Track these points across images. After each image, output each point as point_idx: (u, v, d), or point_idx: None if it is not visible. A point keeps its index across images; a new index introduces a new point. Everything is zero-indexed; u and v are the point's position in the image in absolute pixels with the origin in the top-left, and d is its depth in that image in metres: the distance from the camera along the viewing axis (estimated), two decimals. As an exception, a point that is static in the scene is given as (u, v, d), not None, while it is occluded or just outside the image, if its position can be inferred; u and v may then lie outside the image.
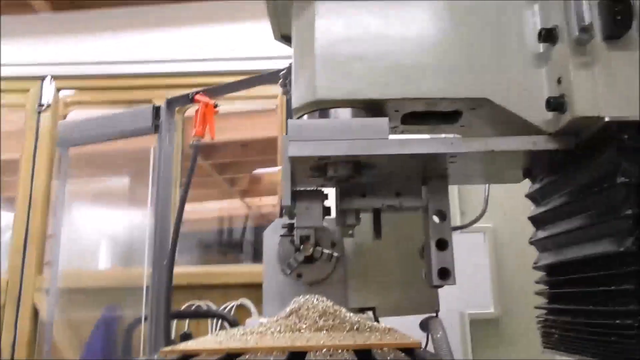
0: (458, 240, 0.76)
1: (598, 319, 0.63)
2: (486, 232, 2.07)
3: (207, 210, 5.31)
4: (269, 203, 5.23)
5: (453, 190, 1.86)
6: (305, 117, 0.72)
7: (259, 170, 4.95)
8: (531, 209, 0.85)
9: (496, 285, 2.05)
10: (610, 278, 0.61)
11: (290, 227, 1.00)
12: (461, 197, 1.99)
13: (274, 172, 3.36)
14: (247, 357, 0.56)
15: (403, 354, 0.56)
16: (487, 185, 1.15)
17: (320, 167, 0.70)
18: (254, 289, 2.34)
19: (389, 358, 0.53)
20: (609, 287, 0.61)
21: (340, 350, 0.57)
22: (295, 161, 0.66)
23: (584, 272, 0.67)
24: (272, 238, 1.08)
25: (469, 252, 1.92)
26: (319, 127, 0.67)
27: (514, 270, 2.06)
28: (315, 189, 0.76)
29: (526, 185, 0.86)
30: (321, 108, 0.70)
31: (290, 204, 0.69)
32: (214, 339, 0.70)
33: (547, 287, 0.80)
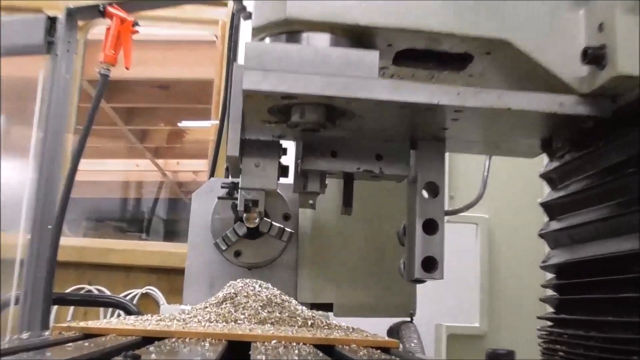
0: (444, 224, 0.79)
1: (618, 333, 0.65)
2: (479, 223, 2.00)
3: (107, 171, 5.18)
4: (191, 168, 5.20)
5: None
6: (267, 40, 0.71)
7: (183, 124, 4.87)
8: (544, 194, 0.90)
9: (486, 293, 1.99)
10: (637, 283, 0.63)
11: (233, 188, 1.07)
12: (451, 175, 1.93)
13: (205, 128, 3.27)
14: (168, 342, 0.56)
15: (379, 351, 0.57)
16: (487, 161, 1.18)
17: (282, 110, 0.69)
18: (164, 275, 2.34)
19: (361, 354, 0.53)
20: (636, 293, 0.63)
21: (294, 346, 0.57)
22: (249, 98, 0.65)
23: (604, 275, 0.69)
24: (203, 202, 1.15)
25: (454, 249, 1.88)
26: (286, 55, 0.66)
27: (510, 273, 1.99)
28: (271, 139, 0.77)
29: (536, 165, 0.93)
30: (290, 30, 0.70)
31: (236, 156, 0.70)
32: (122, 322, 0.70)
33: (556, 293, 0.83)
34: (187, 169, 5.09)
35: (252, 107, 0.69)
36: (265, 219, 1.08)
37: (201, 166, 4.22)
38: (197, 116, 3.93)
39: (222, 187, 1.11)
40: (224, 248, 1.11)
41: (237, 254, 1.15)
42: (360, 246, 1.16)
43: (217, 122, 1.69)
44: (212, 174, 1.57)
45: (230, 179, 1.10)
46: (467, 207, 1.18)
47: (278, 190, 0.84)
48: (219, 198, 1.15)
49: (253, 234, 1.13)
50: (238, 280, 0.87)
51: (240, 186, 0.79)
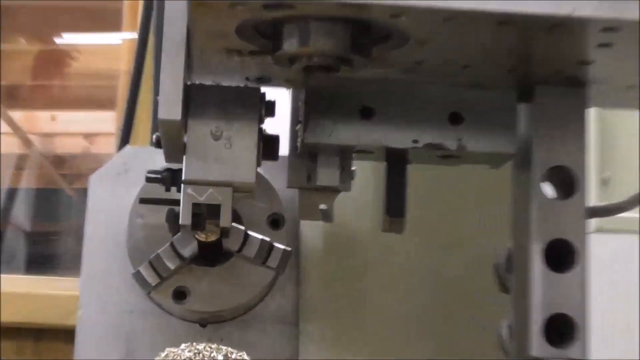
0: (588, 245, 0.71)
1: None
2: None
3: None
4: (81, 129, 3.46)
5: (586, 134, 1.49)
6: None
7: (67, 39, 3.40)
8: None
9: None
10: None
11: (170, 180, 0.82)
12: (602, 150, 1.42)
13: (109, 48, 2.80)
14: None
15: None
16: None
17: (264, 30, 0.63)
18: (27, 341, 1.90)
19: None
20: None
21: None
22: (201, 7, 0.58)
23: None
24: (110, 194, 1.01)
25: (607, 278, 1.26)
26: None
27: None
28: (244, 86, 0.73)
29: None
30: None
31: (176, 120, 0.61)
32: None
33: None
34: (72, 129, 3.34)
35: (206, 25, 0.62)
36: (235, 226, 0.85)
37: (102, 124, 3.02)
38: (95, 25, 2.97)
39: (150, 178, 0.85)
40: (152, 284, 0.87)
41: (180, 294, 0.91)
42: (417, 286, 0.98)
43: (134, 36, 1.44)
44: (124, 140, 1.33)
45: (163, 165, 0.84)
46: (630, 204, 0.92)
47: (260, 172, 0.76)
48: (142, 201, 0.94)
49: (211, 254, 0.92)
50: (182, 346, 0.75)
51: (184, 178, 0.69)
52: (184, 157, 0.70)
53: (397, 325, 1.01)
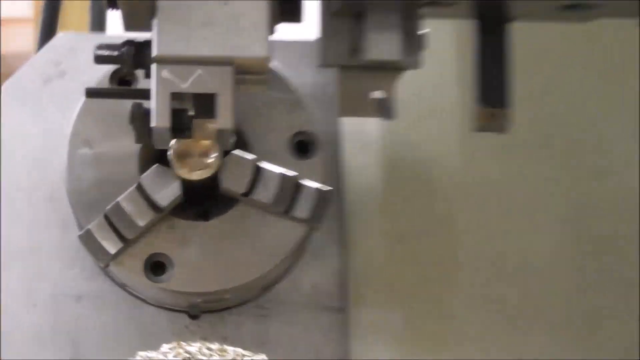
0: None
1: None
2: None
3: None
4: None
5: None
6: None
7: None
8: None
9: None
10: None
11: (132, 62, 0.77)
12: None
13: None
14: None
15: None
16: None
17: None
18: None
19: None
20: None
21: None
22: None
23: None
24: (33, 111, 0.94)
25: None
26: None
27: None
28: None
29: None
30: None
31: None
32: None
33: None
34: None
35: None
36: (239, 153, 0.81)
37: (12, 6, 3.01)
38: None
39: (101, 57, 0.78)
40: (110, 251, 0.81)
41: (156, 267, 0.83)
42: (539, 253, 0.96)
43: None
44: (48, 26, 1.24)
45: (120, 34, 0.80)
46: None
47: (273, 63, 0.76)
48: (89, 93, 0.82)
49: (202, 200, 0.86)
50: (164, 348, 0.72)
51: (155, 53, 0.66)
52: (154, 21, 0.65)
53: (506, 313, 0.96)
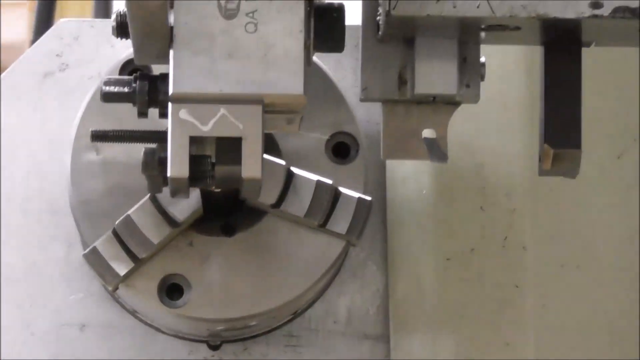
0: None
1: None
2: None
3: None
4: None
5: None
6: None
7: None
8: None
9: None
10: None
11: (150, 89, 0.73)
12: None
13: None
14: None
15: None
16: None
17: None
18: None
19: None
20: None
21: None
22: None
23: None
24: (32, 110, 0.95)
25: None
26: None
27: None
28: None
29: None
30: None
31: None
32: None
33: None
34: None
35: None
36: (270, 158, 0.80)
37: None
38: None
39: (108, 94, 0.75)
40: (120, 272, 0.80)
41: (173, 290, 0.83)
42: (610, 272, 0.98)
43: None
44: (45, 12, 1.30)
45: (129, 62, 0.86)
46: None
47: (315, 61, 0.80)
48: (95, 137, 0.80)
49: (225, 213, 0.86)
50: None
51: (172, 91, 0.64)
52: (171, 52, 0.64)
53: (565, 341, 0.97)
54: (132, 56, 0.81)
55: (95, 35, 0.96)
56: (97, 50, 0.94)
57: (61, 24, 0.99)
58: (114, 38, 0.81)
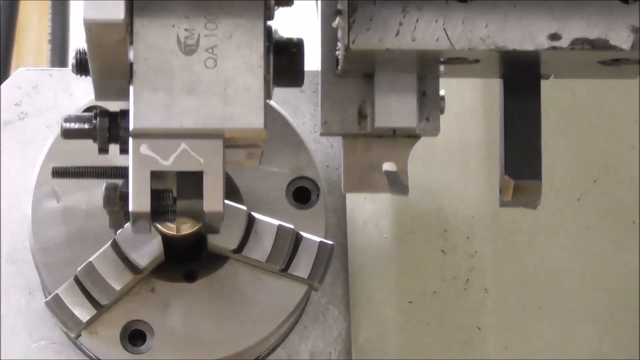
0: None
1: None
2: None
3: None
4: None
5: None
6: None
7: None
8: None
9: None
10: None
11: (110, 126, 0.75)
12: None
13: None
14: None
15: None
16: None
17: None
18: None
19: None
20: None
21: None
22: None
23: None
24: None
25: None
26: None
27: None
28: None
29: None
30: None
31: (117, 18, 0.62)
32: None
33: None
34: None
35: None
36: (230, 204, 0.81)
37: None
38: None
39: (68, 130, 0.76)
40: (83, 319, 0.81)
41: (135, 337, 0.84)
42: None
43: None
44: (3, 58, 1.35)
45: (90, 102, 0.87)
46: None
47: (272, 104, 0.86)
48: (55, 173, 0.83)
49: (187, 258, 0.86)
50: None
51: (132, 127, 0.66)
52: (131, 88, 0.64)
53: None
54: (91, 104, 0.86)
55: (54, 83, 0.97)
56: (55, 99, 0.95)
57: (19, 73, 1.00)
58: (72, 86, 0.88)
